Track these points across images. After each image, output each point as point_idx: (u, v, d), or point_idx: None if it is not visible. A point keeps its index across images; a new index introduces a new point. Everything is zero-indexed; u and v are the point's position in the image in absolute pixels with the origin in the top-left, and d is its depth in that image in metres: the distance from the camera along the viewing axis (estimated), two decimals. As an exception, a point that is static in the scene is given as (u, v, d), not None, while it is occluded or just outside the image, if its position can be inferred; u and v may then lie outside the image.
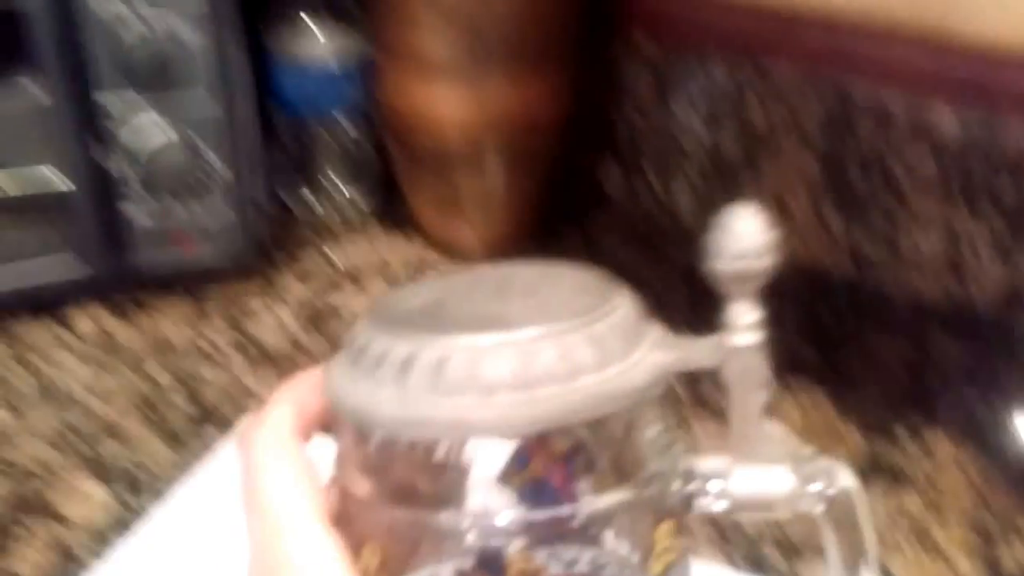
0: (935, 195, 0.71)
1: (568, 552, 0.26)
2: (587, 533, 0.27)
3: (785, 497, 0.29)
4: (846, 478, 0.29)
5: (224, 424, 0.67)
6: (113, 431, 0.67)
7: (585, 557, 0.26)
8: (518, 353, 0.26)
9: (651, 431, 0.29)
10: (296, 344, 0.74)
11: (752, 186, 0.78)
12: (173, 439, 0.66)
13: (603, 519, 0.27)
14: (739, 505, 0.29)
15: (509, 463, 0.26)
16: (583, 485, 0.27)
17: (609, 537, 0.27)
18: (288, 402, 0.29)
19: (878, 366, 0.69)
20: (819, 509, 0.29)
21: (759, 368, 0.28)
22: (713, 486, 0.29)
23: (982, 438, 0.63)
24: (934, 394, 0.67)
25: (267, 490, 0.28)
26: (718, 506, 0.29)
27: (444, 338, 0.26)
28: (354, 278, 0.80)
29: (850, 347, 0.71)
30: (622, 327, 0.28)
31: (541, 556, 0.26)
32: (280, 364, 0.72)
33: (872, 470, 0.61)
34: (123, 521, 0.61)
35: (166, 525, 0.59)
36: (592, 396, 0.26)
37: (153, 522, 0.59)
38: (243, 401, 0.69)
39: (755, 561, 0.55)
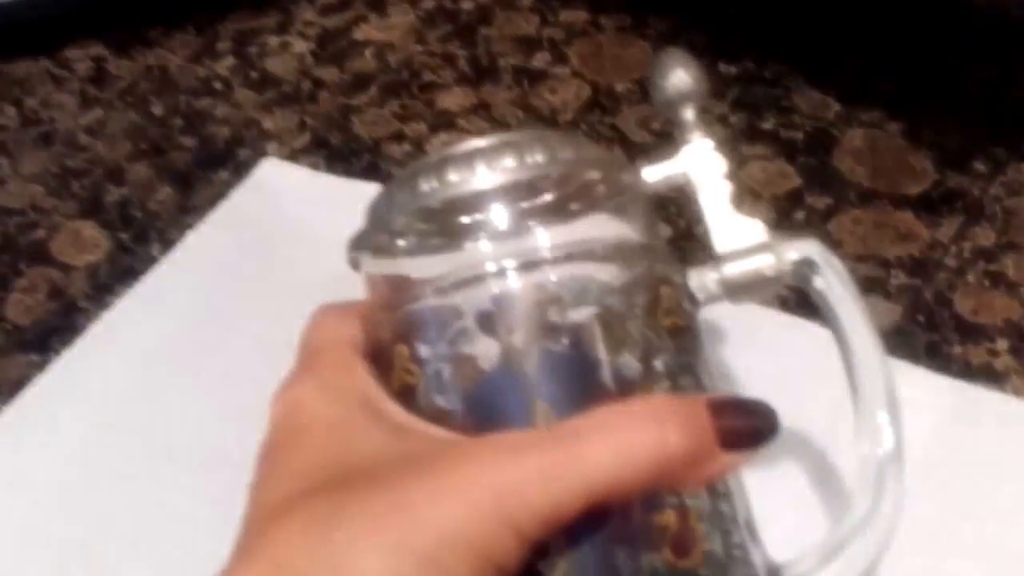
0: None
1: (577, 283, 0.28)
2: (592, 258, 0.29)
3: (771, 274, 0.32)
4: (815, 248, 0.33)
5: (235, 166, 0.62)
6: (115, 174, 0.62)
7: (593, 287, 0.28)
8: (514, 151, 0.29)
9: (641, 221, 0.32)
10: (314, 79, 0.67)
11: None
12: (180, 182, 0.62)
13: (611, 252, 0.29)
14: (734, 289, 0.32)
15: (515, 213, 0.28)
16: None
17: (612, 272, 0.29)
18: (342, 329, 0.30)
19: (956, 91, 0.61)
20: (805, 280, 0.33)
21: (717, 163, 0.33)
22: (709, 277, 0.32)
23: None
24: (1018, 122, 0.59)
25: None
26: (716, 293, 0.32)
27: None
28: (377, 5, 0.72)
29: (925, 70, 0.62)
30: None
31: (553, 287, 0.28)
32: (296, 101, 0.66)
33: (945, 204, 0.54)
34: (127, 268, 0.57)
35: (174, 273, 0.55)
36: (576, 158, 0.30)
37: (161, 269, 0.55)
38: (256, 141, 0.63)
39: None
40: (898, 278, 0.51)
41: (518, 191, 0.28)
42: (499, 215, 0.28)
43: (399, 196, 0.30)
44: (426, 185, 0.29)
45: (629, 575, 0.24)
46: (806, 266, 0.32)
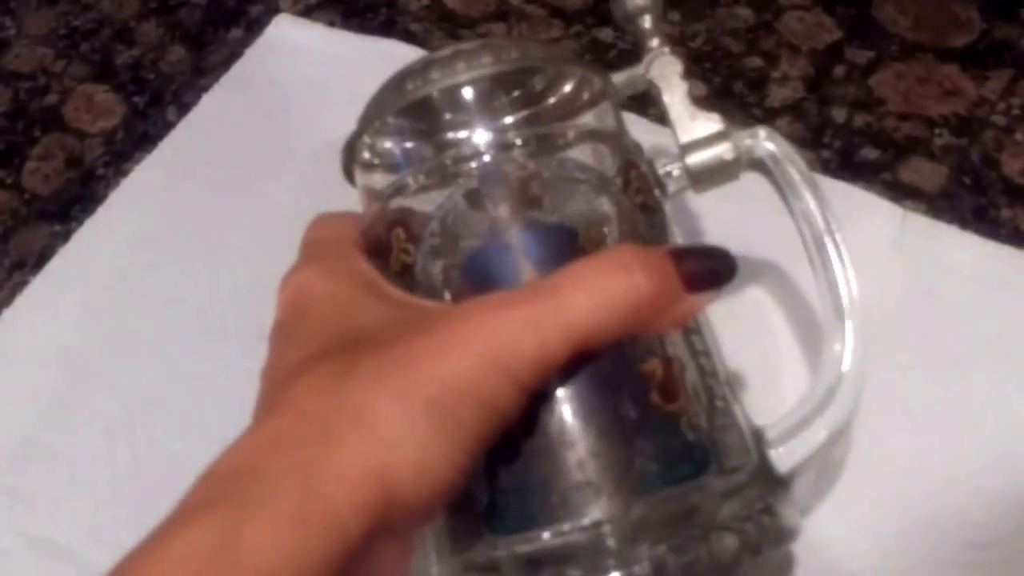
0: None
1: (554, 160, 0.31)
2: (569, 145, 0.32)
3: (729, 158, 0.35)
4: (771, 136, 0.36)
5: (247, 23, 0.59)
6: (124, 34, 0.60)
7: (570, 164, 0.31)
8: (491, 51, 0.32)
9: (611, 115, 0.34)
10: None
11: None
12: (192, 41, 0.59)
13: (583, 135, 0.32)
14: (698, 176, 0.35)
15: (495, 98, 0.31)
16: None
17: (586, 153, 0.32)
18: (341, 228, 0.33)
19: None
20: (760, 163, 0.35)
21: (674, 66, 0.35)
22: (674, 166, 0.35)
23: None
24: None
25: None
26: (682, 181, 0.35)
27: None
28: None
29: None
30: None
31: (532, 164, 0.30)
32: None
33: (992, 57, 0.52)
34: (143, 134, 0.55)
35: (190, 138, 0.54)
36: (549, 56, 0.34)
37: (176, 134, 0.54)
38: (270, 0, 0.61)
39: (852, 165, 0.48)
40: (943, 137, 0.49)
41: (497, 85, 0.31)
42: (480, 106, 0.31)
43: (388, 97, 0.33)
44: (411, 84, 0.32)
45: (621, 416, 0.26)
46: (760, 149, 0.35)
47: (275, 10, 0.59)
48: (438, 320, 0.25)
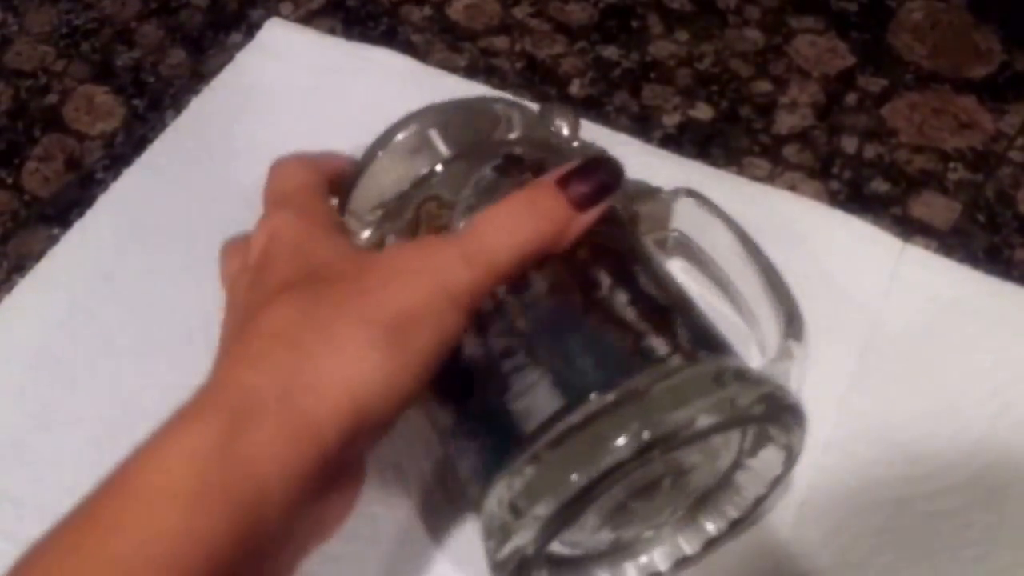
0: None
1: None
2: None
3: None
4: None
5: (247, 27, 0.59)
6: (124, 35, 0.59)
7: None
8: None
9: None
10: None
11: None
12: (192, 44, 0.58)
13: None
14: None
15: None
16: None
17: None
18: (304, 176, 0.35)
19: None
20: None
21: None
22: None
23: None
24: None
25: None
26: None
27: None
28: None
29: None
30: None
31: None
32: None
33: (1012, 90, 0.50)
34: (142, 137, 0.54)
35: (180, 142, 0.53)
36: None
37: (167, 137, 0.53)
38: (269, 1, 0.60)
39: (861, 197, 0.47)
40: (957, 172, 0.48)
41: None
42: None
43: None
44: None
45: (577, 319, 0.28)
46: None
47: (276, 14, 0.58)
48: (386, 256, 0.30)
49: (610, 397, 0.26)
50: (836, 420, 0.37)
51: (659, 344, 0.28)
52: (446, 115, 0.34)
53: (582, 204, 0.29)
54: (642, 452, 0.25)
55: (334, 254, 0.30)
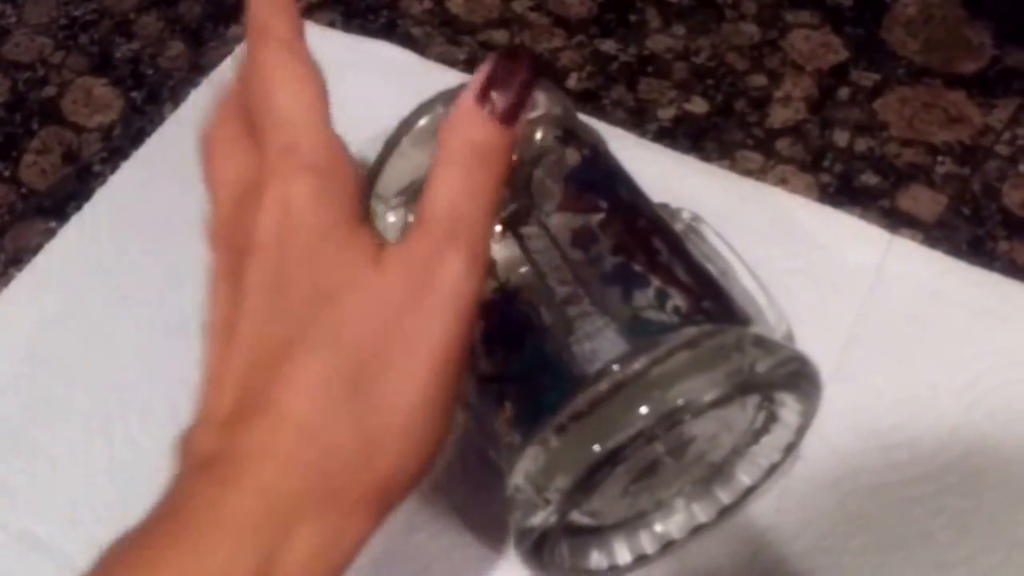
0: None
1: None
2: None
3: None
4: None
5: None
6: (124, 27, 0.59)
7: None
8: None
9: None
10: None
11: None
12: (191, 37, 0.59)
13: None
14: None
15: None
16: None
17: None
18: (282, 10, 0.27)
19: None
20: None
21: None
22: None
23: None
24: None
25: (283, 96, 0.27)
26: None
27: None
28: None
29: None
30: None
31: None
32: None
33: (1001, 85, 0.51)
34: (140, 130, 0.55)
35: (182, 130, 0.53)
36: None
37: (165, 130, 0.53)
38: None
39: (851, 190, 0.47)
40: (945, 165, 0.48)
41: None
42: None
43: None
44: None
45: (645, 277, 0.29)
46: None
47: (277, 8, 0.59)
48: (390, 282, 0.26)
49: (637, 366, 0.27)
50: (820, 409, 0.38)
51: (710, 307, 0.29)
52: None
53: (510, 119, 0.26)
54: (664, 420, 0.26)
55: (350, 276, 0.26)
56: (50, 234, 0.50)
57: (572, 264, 0.30)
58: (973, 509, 0.36)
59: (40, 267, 0.50)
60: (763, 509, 0.37)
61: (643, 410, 0.26)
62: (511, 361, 0.30)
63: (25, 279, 0.49)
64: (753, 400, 0.31)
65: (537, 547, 0.28)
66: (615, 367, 0.27)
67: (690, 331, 0.28)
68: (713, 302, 0.30)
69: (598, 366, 0.27)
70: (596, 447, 0.27)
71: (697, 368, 0.27)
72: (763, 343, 0.29)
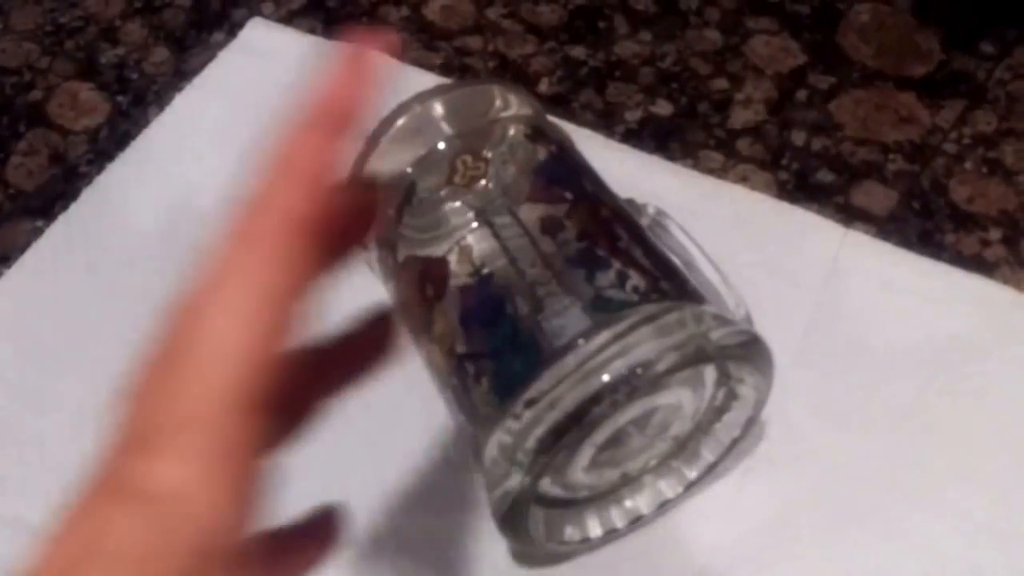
0: None
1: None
2: None
3: None
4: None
5: (230, 27, 0.61)
6: (108, 33, 0.61)
7: None
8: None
9: None
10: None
11: None
12: (175, 43, 0.60)
13: None
14: None
15: None
16: None
17: None
18: (300, 181, 0.18)
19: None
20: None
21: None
22: None
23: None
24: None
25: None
26: None
27: None
28: None
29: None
30: None
31: None
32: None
33: (948, 87, 0.54)
34: (125, 133, 0.56)
35: (166, 133, 0.55)
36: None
37: (150, 133, 0.55)
38: (252, 1, 0.62)
39: (807, 187, 0.50)
40: (896, 163, 0.51)
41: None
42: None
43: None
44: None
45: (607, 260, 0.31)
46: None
47: (258, 14, 0.60)
48: None
49: (600, 339, 0.29)
50: (779, 394, 0.40)
51: (666, 287, 0.31)
52: (445, 96, 0.36)
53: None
54: (623, 386, 0.29)
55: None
56: (37, 233, 0.51)
57: (541, 250, 0.32)
58: (923, 486, 0.38)
59: (28, 265, 0.51)
60: (727, 487, 0.39)
61: (604, 378, 0.29)
62: (486, 339, 0.32)
63: (13, 276, 0.50)
64: (711, 376, 0.33)
65: (512, 514, 0.31)
66: (580, 341, 0.30)
67: (649, 307, 0.30)
68: (670, 283, 0.32)
69: (565, 340, 0.30)
70: (561, 410, 0.29)
71: (655, 340, 0.30)
72: (717, 318, 0.31)
